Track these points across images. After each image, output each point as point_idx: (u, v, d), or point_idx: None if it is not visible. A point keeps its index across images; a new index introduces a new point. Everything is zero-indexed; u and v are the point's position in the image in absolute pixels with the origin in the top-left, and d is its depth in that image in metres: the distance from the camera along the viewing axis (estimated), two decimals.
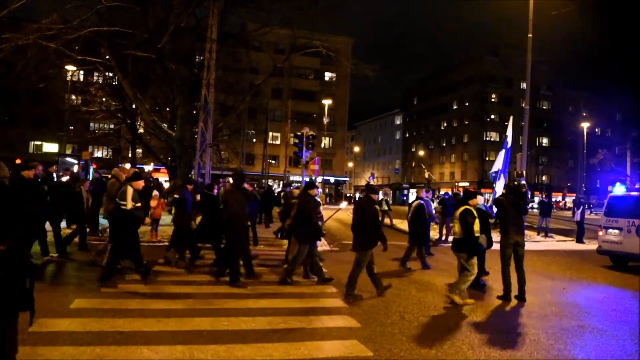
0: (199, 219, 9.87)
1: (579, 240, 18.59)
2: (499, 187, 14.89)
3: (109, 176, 10.88)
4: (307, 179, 17.83)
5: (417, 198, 11.88)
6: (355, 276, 7.52)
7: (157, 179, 26.96)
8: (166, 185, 24.76)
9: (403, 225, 18.69)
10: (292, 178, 38.64)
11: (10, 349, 2.73)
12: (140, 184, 8.14)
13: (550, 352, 5.48)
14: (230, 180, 9.59)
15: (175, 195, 10.42)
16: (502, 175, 15.53)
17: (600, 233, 12.58)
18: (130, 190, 7.79)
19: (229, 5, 20.11)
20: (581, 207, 19.46)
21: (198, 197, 9.96)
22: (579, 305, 7.95)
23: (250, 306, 6.78)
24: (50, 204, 9.34)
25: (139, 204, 7.90)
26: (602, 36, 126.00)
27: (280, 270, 9.29)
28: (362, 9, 46.28)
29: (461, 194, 9.92)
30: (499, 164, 16.58)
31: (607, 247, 12.24)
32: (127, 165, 18.89)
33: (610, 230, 12.19)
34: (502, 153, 16.83)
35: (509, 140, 16.84)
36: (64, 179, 12.73)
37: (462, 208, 7.63)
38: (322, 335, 5.66)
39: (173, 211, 10.45)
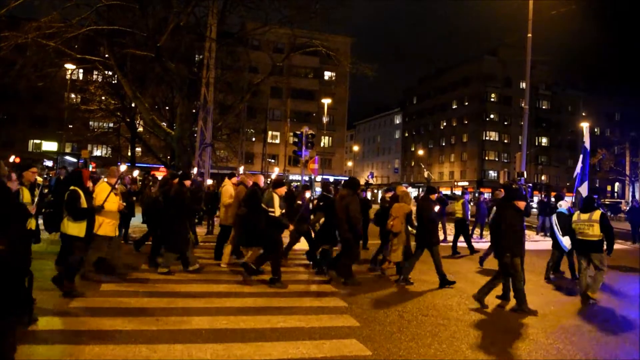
0: (322, 220, 10.00)
1: None
2: (583, 190, 14.66)
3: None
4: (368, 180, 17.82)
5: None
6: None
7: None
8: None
9: None
10: (291, 177, 38.64)
11: (9, 347, 2.72)
12: (284, 190, 8.54)
13: (549, 352, 5.48)
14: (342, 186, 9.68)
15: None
16: (583, 178, 15.26)
17: None
18: (277, 198, 8.19)
19: (229, 4, 20.10)
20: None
21: (315, 201, 10.59)
22: (578, 305, 7.96)
23: (249, 305, 6.78)
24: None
25: (283, 210, 8.32)
26: (601, 36, 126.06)
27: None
28: (361, 8, 46.27)
29: (503, 192, 9.90)
30: (580, 167, 16.28)
31: None
32: (123, 167, 18.74)
33: None
34: (581, 158, 16.52)
35: (587, 144, 16.47)
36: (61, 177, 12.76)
37: (599, 212, 7.96)
38: (321, 334, 5.66)
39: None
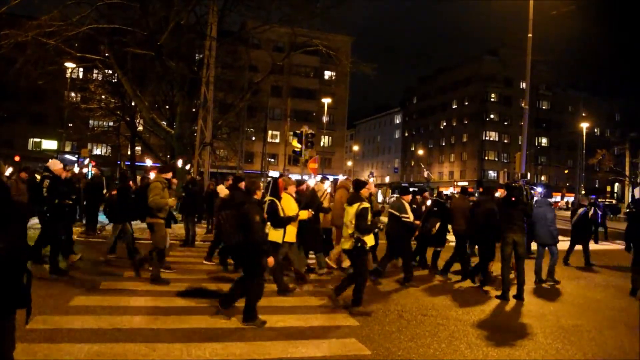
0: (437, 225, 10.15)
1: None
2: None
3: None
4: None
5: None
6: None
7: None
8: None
9: None
10: (291, 176, 38.55)
11: (9, 346, 2.72)
12: (409, 197, 9.17)
13: (548, 352, 5.48)
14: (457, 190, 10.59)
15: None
16: None
17: None
18: (406, 203, 8.83)
19: (229, 3, 20.08)
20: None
21: (428, 203, 10.88)
22: (577, 305, 7.96)
23: None
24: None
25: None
26: (602, 36, 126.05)
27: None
28: (361, 7, 46.21)
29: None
30: None
31: None
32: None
33: None
34: None
35: None
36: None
37: None
38: (320, 333, 5.65)
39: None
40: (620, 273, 11.64)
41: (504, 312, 7.29)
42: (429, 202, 11.06)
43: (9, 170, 11.57)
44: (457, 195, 11.91)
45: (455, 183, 68.87)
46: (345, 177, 11.37)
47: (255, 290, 5.80)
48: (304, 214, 7.96)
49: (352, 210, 6.67)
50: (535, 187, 21.18)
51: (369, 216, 6.64)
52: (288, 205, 7.54)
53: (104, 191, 11.88)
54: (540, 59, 54.11)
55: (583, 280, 10.11)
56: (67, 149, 43.77)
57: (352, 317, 6.35)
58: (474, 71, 70.46)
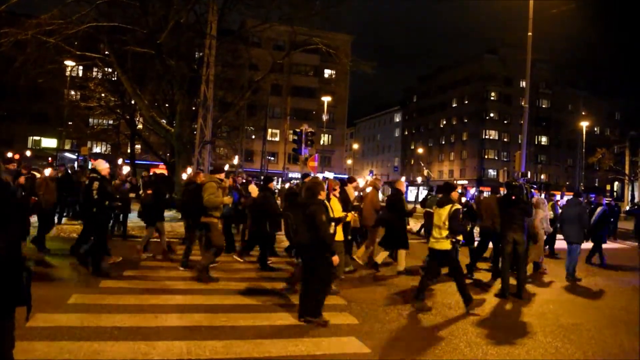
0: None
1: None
2: None
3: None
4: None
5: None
6: None
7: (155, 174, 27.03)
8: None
9: None
10: (291, 175, 38.62)
11: (8, 344, 2.72)
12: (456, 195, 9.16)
13: (548, 350, 5.49)
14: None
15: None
16: None
17: None
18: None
19: (229, 1, 20.04)
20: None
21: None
22: (577, 304, 7.97)
23: (248, 302, 6.78)
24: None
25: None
26: (602, 35, 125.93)
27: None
28: (361, 6, 46.19)
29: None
30: None
31: None
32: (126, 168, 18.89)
33: None
34: None
35: None
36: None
37: None
38: (320, 332, 5.65)
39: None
40: (620, 272, 11.66)
41: (504, 311, 7.30)
42: (463, 200, 11.15)
43: (48, 171, 11.53)
44: (485, 195, 12.55)
45: (455, 182, 68.80)
46: (374, 176, 11.58)
47: (323, 287, 5.99)
48: (349, 216, 8.15)
49: (444, 212, 6.91)
50: (535, 186, 21.18)
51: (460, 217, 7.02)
52: (335, 206, 7.66)
53: (140, 192, 11.91)
54: (541, 57, 54.25)
55: (583, 280, 10.10)
56: (67, 147, 43.79)
57: (352, 316, 6.35)
58: (474, 70, 70.39)
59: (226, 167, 18.83)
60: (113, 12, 19.33)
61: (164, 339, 5.04)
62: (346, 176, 13.02)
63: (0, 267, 2.56)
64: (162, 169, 34.40)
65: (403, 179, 11.96)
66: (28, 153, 25.11)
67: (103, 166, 8.23)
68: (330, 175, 47.26)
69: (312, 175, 15.33)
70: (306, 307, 5.93)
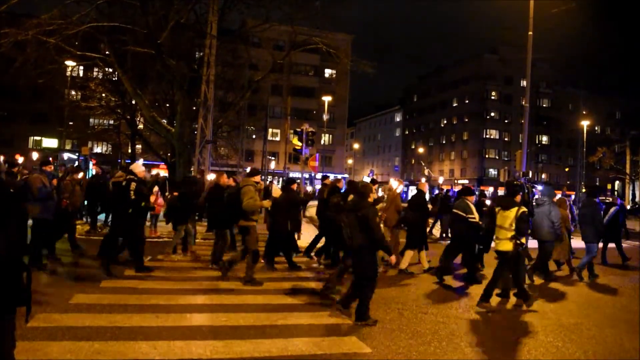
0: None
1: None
2: None
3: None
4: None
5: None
6: None
7: (158, 173, 27.01)
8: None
9: None
10: (291, 175, 38.62)
11: (9, 344, 2.72)
12: (473, 197, 9.32)
13: (548, 350, 5.48)
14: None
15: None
16: None
17: None
18: (471, 204, 8.95)
19: (229, 1, 20.05)
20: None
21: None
22: (578, 303, 7.96)
23: (248, 302, 6.78)
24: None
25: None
26: (602, 34, 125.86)
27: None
28: (361, 6, 46.18)
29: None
30: None
31: None
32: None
33: None
34: None
35: None
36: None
37: None
38: (320, 331, 5.66)
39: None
40: (620, 272, 11.65)
41: (505, 310, 7.29)
42: (488, 202, 11.21)
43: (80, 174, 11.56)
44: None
45: (455, 181, 68.83)
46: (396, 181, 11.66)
47: (371, 289, 6.05)
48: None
49: (511, 214, 7.04)
50: (536, 185, 21.17)
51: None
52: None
53: (166, 193, 11.92)
54: (541, 57, 54.18)
55: (585, 279, 10.09)
56: (68, 147, 43.78)
57: (352, 315, 6.35)
58: (474, 69, 70.36)
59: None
60: (113, 12, 19.31)
61: (165, 338, 5.04)
62: (347, 176, 13.05)
63: (0, 267, 2.56)
64: (162, 169, 34.45)
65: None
66: (35, 155, 25.01)
67: (140, 169, 8.49)
68: (330, 175, 47.15)
69: (334, 177, 15.39)
70: (359, 312, 5.98)
